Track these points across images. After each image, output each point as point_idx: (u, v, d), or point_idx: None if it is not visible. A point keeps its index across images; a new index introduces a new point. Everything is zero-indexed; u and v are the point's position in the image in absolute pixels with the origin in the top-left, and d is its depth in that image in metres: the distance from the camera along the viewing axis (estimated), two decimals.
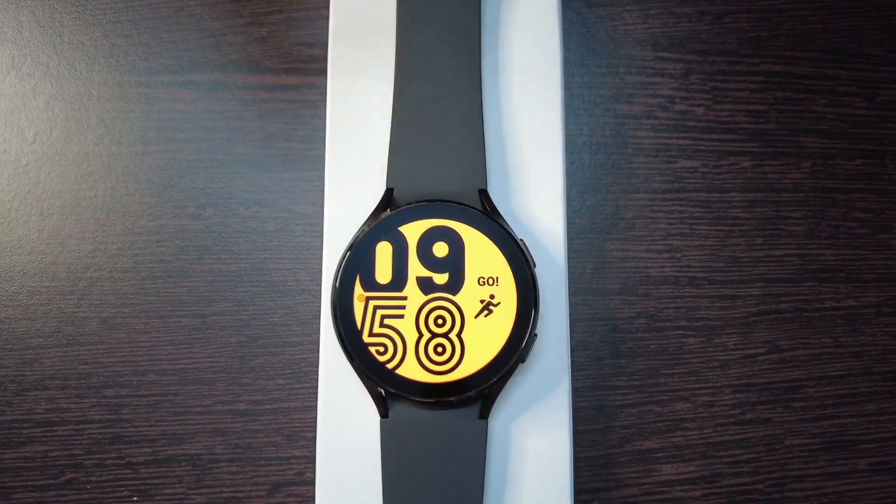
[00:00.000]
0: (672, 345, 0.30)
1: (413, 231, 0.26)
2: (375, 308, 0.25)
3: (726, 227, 0.31)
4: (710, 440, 0.30)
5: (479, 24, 0.28)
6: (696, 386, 0.30)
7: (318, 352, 0.28)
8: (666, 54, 0.32)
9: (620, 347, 0.30)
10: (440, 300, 0.25)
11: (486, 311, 0.25)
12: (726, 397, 0.30)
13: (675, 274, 0.31)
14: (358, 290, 0.25)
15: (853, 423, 0.30)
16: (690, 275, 0.31)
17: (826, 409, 0.30)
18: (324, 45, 0.31)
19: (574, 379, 0.30)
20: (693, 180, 0.31)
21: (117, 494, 0.29)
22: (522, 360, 0.25)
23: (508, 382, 0.26)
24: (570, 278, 0.30)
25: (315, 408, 0.29)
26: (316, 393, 0.29)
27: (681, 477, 0.30)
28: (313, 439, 0.29)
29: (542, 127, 0.28)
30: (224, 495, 0.29)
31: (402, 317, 0.25)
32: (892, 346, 0.31)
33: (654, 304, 0.31)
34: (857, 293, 0.31)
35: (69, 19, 0.32)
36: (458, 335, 0.25)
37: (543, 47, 0.29)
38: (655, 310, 0.31)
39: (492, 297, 0.25)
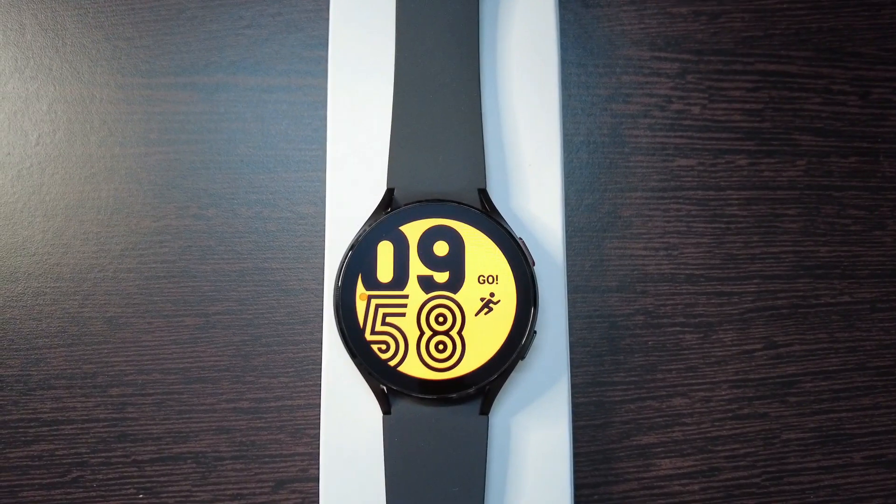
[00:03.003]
0: (669, 341, 0.31)
1: (414, 230, 0.26)
2: (377, 306, 0.26)
3: (723, 225, 0.32)
4: (708, 435, 0.30)
5: (478, 25, 0.28)
6: (694, 382, 0.31)
7: (320, 350, 0.29)
8: (662, 54, 0.32)
9: (619, 344, 0.31)
10: (441, 298, 0.26)
11: (486, 309, 0.26)
12: (723, 393, 0.31)
13: (672, 271, 0.31)
14: (360, 288, 0.26)
15: (848, 418, 0.31)
16: (687, 272, 0.31)
17: (822, 404, 0.31)
18: (324, 46, 0.32)
19: (573, 375, 0.30)
20: (689, 178, 0.32)
21: (123, 492, 0.30)
22: (522, 356, 0.26)
23: (509, 379, 0.26)
24: (568, 276, 0.31)
25: (318, 405, 0.29)
26: (319, 390, 0.30)
27: (679, 471, 0.30)
28: (317, 436, 0.30)
29: (540, 127, 0.29)
30: (229, 492, 0.30)
31: (403, 315, 0.26)
32: (886, 341, 0.31)
33: (652, 301, 0.31)
34: (851, 289, 0.32)
35: (71, 22, 0.32)
36: (459, 333, 0.26)
37: (541, 48, 0.29)
38: (653, 307, 0.31)
39: (492, 295, 0.26)
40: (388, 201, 0.27)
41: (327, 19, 0.30)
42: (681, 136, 0.32)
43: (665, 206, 0.32)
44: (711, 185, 0.32)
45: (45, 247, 0.31)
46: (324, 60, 0.32)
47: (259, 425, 0.30)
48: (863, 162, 0.32)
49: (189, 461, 0.30)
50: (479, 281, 0.26)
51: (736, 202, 0.32)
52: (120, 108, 0.32)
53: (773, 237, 0.32)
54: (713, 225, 0.32)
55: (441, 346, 0.25)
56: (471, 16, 0.28)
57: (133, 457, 0.30)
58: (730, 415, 0.31)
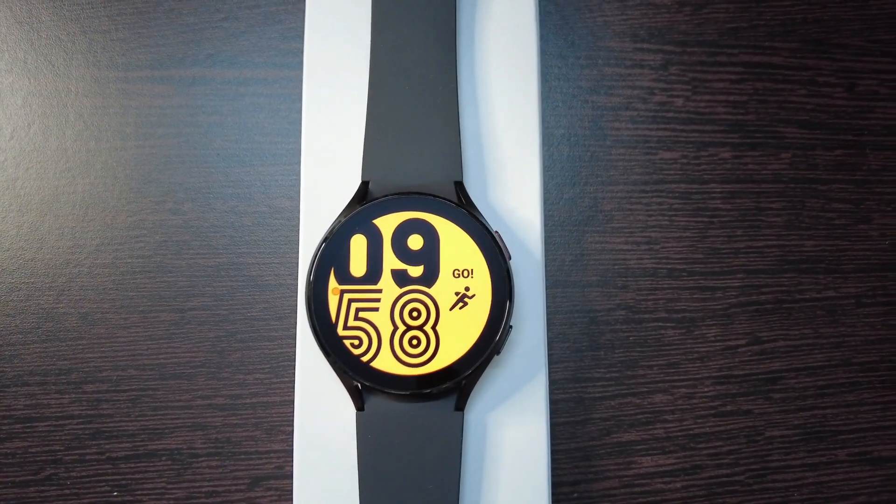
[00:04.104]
0: (651, 337, 0.30)
1: (388, 223, 0.26)
2: (350, 301, 0.25)
3: (706, 219, 0.31)
4: (690, 432, 0.30)
5: (455, 16, 0.28)
6: (676, 378, 0.30)
7: (295, 346, 0.28)
8: (645, 45, 0.32)
9: (599, 339, 0.30)
10: (415, 293, 0.25)
11: (460, 304, 0.25)
12: (706, 389, 0.30)
13: (654, 266, 0.31)
14: (332, 283, 0.25)
15: (833, 414, 0.30)
16: (670, 266, 0.31)
17: (806, 401, 0.30)
18: (300, 39, 0.31)
19: (553, 371, 0.30)
20: (672, 172, 0.31)
21: (97, 490, 0.29)
22: (497, 351, 0.25)
23: (485, 374, 0.26)
24: (548, 271, 0.30)
25: (293, 402, 0.29)
26: (294, 387, 0.29)
27: (661, 469, 0.30)
28: (292, 433, 0.29)
29: (519, 119, 0.28)
30: (204, 489, 0.29)
31: (376, 310, 0.25)
32: (871, 336, 0.31)
33: (633, 296, 0.30)
34: (836, 284, 0.31)
35: (46, 15, 0.32)
36: (433, 327, 0.25)
37: (520, 39, 0.29)
38: (634, 302, 0.30)
39: (466, 289, 0.25)
40: (362, 194, 0.26)
41: (303, 12, 0.29)
42: (663, 129, 0.32)
43: (647, 199, 0.31)
44: (694, 178, 0.31)
45: (20, 242, 0.31)
46: (301, 53, 0.31)
47: (234, 422, 0.29)
48: (848, 155, 0.32)
49: (164, 458, 0.29)
50: (453, 275, 0.25)
51: (719, 195, 0.31)
52: (96, 101, 0.31)
53: (757, 231, 0.31)
54: (696, 219, 0.31)
55: (415, 341, 0.25)
56: (448, 5, 0.28)
57: (108, 454, 0.29)
58: (713, 411, 0.30)
